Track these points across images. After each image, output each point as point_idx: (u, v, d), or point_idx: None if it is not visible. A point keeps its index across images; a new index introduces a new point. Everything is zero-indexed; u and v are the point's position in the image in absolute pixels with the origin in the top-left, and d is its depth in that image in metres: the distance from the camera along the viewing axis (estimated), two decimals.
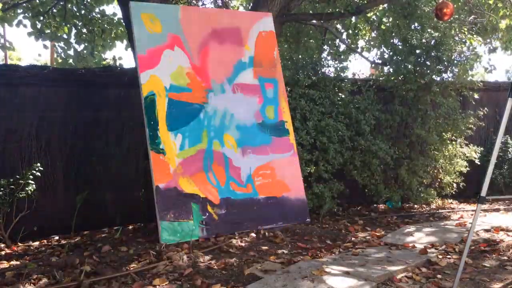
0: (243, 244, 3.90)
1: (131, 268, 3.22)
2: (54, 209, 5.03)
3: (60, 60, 9.11)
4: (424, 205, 6.24)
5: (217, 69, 4.67)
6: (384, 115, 6.07)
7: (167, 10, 4.66)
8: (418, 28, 6.54)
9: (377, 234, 4.43)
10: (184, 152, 4.32)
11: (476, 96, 6.59)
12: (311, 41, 8.25)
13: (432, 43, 6.09)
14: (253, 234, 4.25)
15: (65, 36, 8.32)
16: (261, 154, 4.68)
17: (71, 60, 8.85)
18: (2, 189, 4.40)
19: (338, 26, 8.75)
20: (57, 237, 4.84)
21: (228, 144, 4.54)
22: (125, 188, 5.40)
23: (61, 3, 7.78)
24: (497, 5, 7.63)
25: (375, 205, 6.21)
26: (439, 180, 6.47)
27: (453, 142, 6.45)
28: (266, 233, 4.30)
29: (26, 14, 8.05)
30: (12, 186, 4.50)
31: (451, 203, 6.50)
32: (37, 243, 4.61)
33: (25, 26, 8.11)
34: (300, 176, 4.84)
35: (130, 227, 5.15)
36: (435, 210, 5.93)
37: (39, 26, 7.94)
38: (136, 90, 4.42)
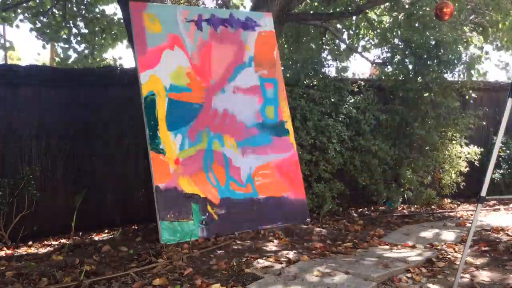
0: (243, 244, 3.90)
1: (131, 268, 3.22)
2: (54, 209, 5.03)
3: (58, 60, 9.11)
4: (424, 205, 6.23)
5: (217, 69, 4.67)
6: (384, 115, 6.07)
7: (167, 10, 4.66)
8: (419, 28, 6.54)
9: (377, 234, 4.42)
10: (184, 152, 4.31)
11: (476, 96, 6.59)
12: (310, 40, 8.23)
13: (433, 43, 6.09)
14: (253, 234, 4.25)
15: (65, 36, 8.31)
16: (261, 154, 4.67)
17: (70, 60, 8.84)
18: (2, 189, 4.41)
19: (338, 26, 8.74)
20: (57, 237, 4.84)
21: (228, 144, 4.54)
22: (125, 188, 5.40)
23: (61, 3, 7.78)
24: (498, 4, 7.60)
25: (375, 205, 6.21)
26: (439, 180, 6.47)
27: (453, 142, 6.45)
28: (266, 233, 4.30)
29: (26, 14, 8.04)
30: (12, 186, 4.50)
31: (451, 203, 6.50)
32: (37, 243, 4.61)
33: (20, 27, 8.10)
34: (300, 176, 4.84)
35: (130, 227, 5.15)
36: (435, 210, 5.93)
37: (39, 26, 7.94)
38: (136, 90, 4.41)
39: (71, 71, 6.40)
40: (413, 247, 3.85)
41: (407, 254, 3.55)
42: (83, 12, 8.13)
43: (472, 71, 6.47)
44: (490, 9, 7.56)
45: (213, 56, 4.68)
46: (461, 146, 6.53)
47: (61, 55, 8.96)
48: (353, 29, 8.74)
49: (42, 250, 4.18)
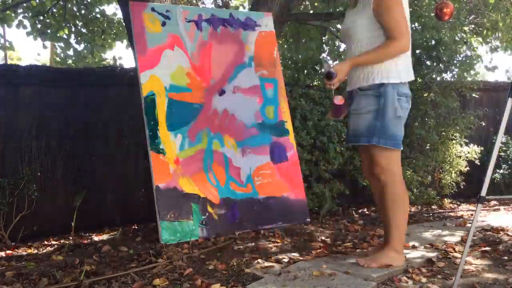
0: (243, 244, 3.90)
1: (131, 268, 3.22)
2: (54, 209, 5.03)
3: (58, 60, 9.12)
4: (424, 205, 6.23)
5: (217, 69, 4.67)
6: None
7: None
8: (418, 28, 6.54)
9: (377, 234, 4.42)
10: (184, 152, 4.31)
11: (476, 96, 6.59)
12: (310, 40, 8.25)
13: (432, 43, 6.09)
14: (253, 234, 4.25)
15: (65, 36, 8.31)
16: (261, 154, 4.67)
17: (70, 60, 8.85)
18: (2, 189, 4.41)
19: (338, 26, 8.75)
20: (57, 237, 4.84)
21: (228, 144, 4.54)
22: (125, 188, 5.41)
23: (61, 3, 7.78)
24: (498, 5, 7.61)
25: (375, 205, 6.21)
26: (439, 180, 6.47)
27: (453, 142, 6.46)
28: (266, 233, 4.30)
29: (26, 14, 8.05)
30: (12, 186, 4.50)
31: (451, 203, 6.50)
32: (37, 243, 4.61)
33: (25, 27, 8.11)
34: (300, 176, 4.84)
35: (130, 227, 5.15)
36: (435, 210, 5.93)
37: (39, 26, 7.94)
38: (136, 90, 4.41)
39: (71, 71, 6.40)
40: (413, 247, 3.85)
41: (407, 255, 3.55)
42: (83, 12, 8.14)
43: (471, 72, 6.48)
44: (490, 9, 7.57)
45: (213, 56, 4.67)
46: (461, 145, 6.54)
47: (61, 55, 8.97)
48: None
49: (42, 250, 4.19)
